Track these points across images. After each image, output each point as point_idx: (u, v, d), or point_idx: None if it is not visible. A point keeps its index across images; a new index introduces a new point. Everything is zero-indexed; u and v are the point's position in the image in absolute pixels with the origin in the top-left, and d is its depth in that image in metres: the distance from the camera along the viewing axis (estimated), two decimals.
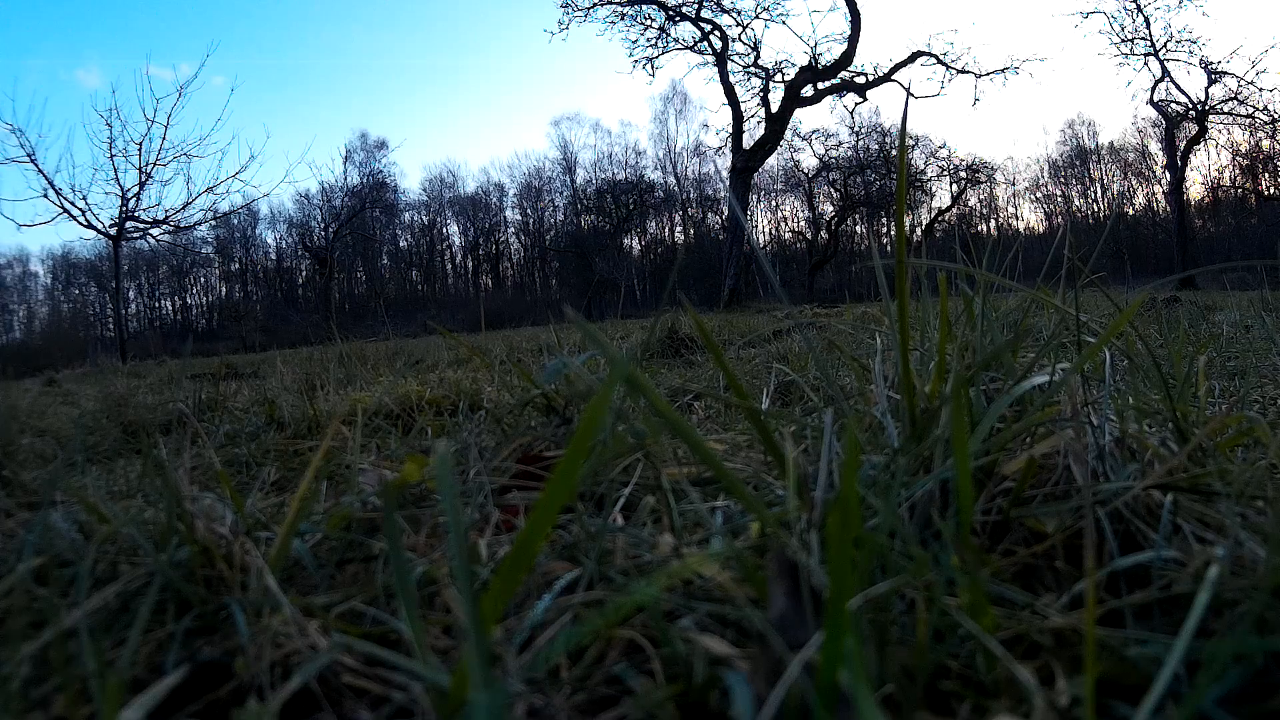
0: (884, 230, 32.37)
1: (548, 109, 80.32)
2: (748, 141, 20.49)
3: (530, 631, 0.52)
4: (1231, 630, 0.46)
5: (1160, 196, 35.53)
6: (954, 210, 32.90)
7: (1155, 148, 34.27)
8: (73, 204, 14.62)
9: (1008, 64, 20.90)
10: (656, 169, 41.11)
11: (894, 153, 25.89)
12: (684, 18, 20.64)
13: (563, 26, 20.86)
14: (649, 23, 20.69)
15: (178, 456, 0.73)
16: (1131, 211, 37.28)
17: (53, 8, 53.79)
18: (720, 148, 23.92)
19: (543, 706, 0.44)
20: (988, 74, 20.87)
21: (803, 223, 38.33)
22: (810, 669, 0.39)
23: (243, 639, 0.52)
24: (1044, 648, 0.48)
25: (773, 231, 41.35)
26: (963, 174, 30.29)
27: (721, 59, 20.81)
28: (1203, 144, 23.84)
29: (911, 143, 27.54)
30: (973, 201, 39.25)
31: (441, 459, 0.44)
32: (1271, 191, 30.20)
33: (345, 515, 0.74)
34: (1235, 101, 21.38)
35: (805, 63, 20.40)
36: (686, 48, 21.06)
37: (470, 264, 44.78)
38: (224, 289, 44.53)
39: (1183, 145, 22.11)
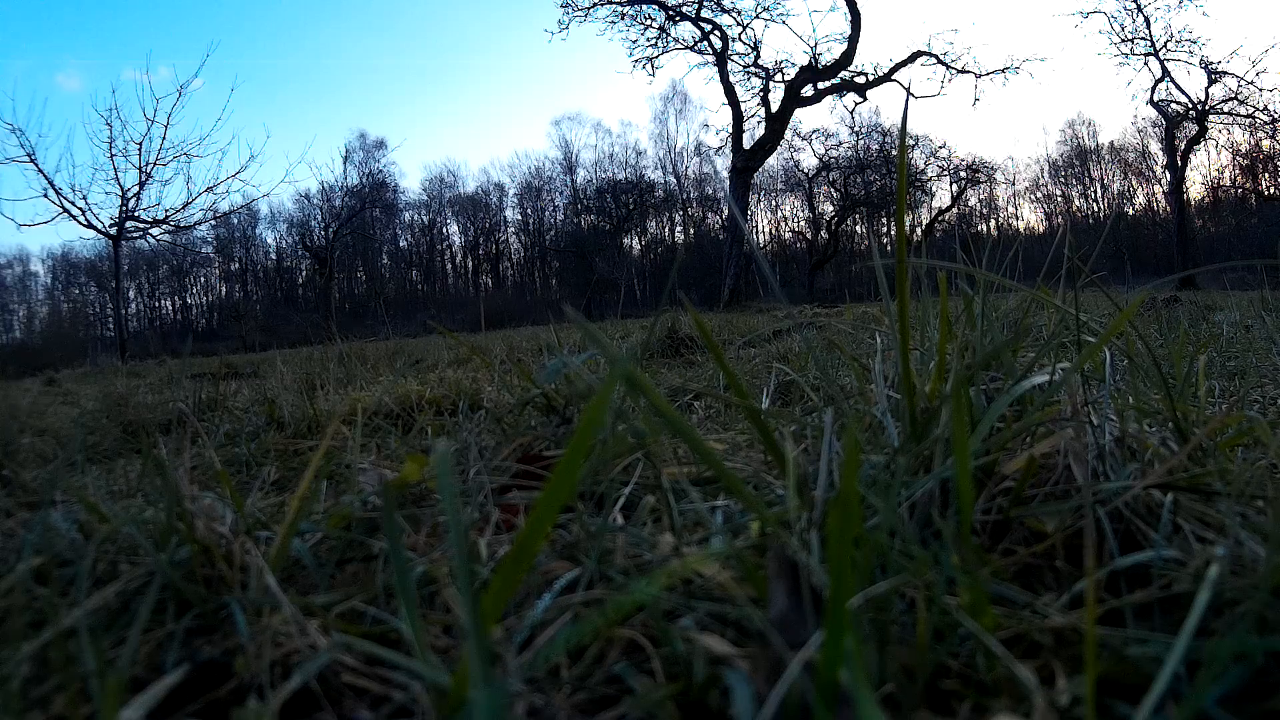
0: (884, 230, 32.36)
1: (548, 109, 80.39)
2: (748, 141, 20.49)
3: (530, 631, 0.52)
4: (1232, 630, 0.46)
5: (1160, 196, 35.54)
6: (954, 210, 32.91)
7: (1155, 148, 34.28)
8: (73, 204, 14.66)
9: (1008, 64, 20.91)
10: (657, 169, 41.14)
11: (894, 152, 25.88)
12: (684, 18, 20.64)
13: (563, 26, 20.86)
14: (649, 22, 20.69)
15: (178, 456, 0.73)
16: (1131, 211, 37.28)
17: (30, 12, 53.62)
18: (720, 147, 23.90)
19: (543, 705, 0.44)
20: (988, 74, 20.88)
21: (803, 223, 38.34)
22: (810, 668, 0.39)
23: (243, 638, 0.52)
24: (1044, 647, 0.48)
25: (773, 231, 41.36)
26: (963, 174, 30.30)
27: (721, 59, 20.81)
28: (1203, 144, 23.84)
29: (911, 143, 27.55)
30: (973, 201, 39.27)
31: (441, 458, 0.44)
32: (1271, 191, 30.19)
33: (345, 515, 0.74)
34: (1235, 101, 21.38)
35: (805, 63, 20.41)
36: (686, 47, 21.06)
37: (470, 264, 44.79)
38: (224, 289, 44.56)
39: (1183, 145, 22.10)
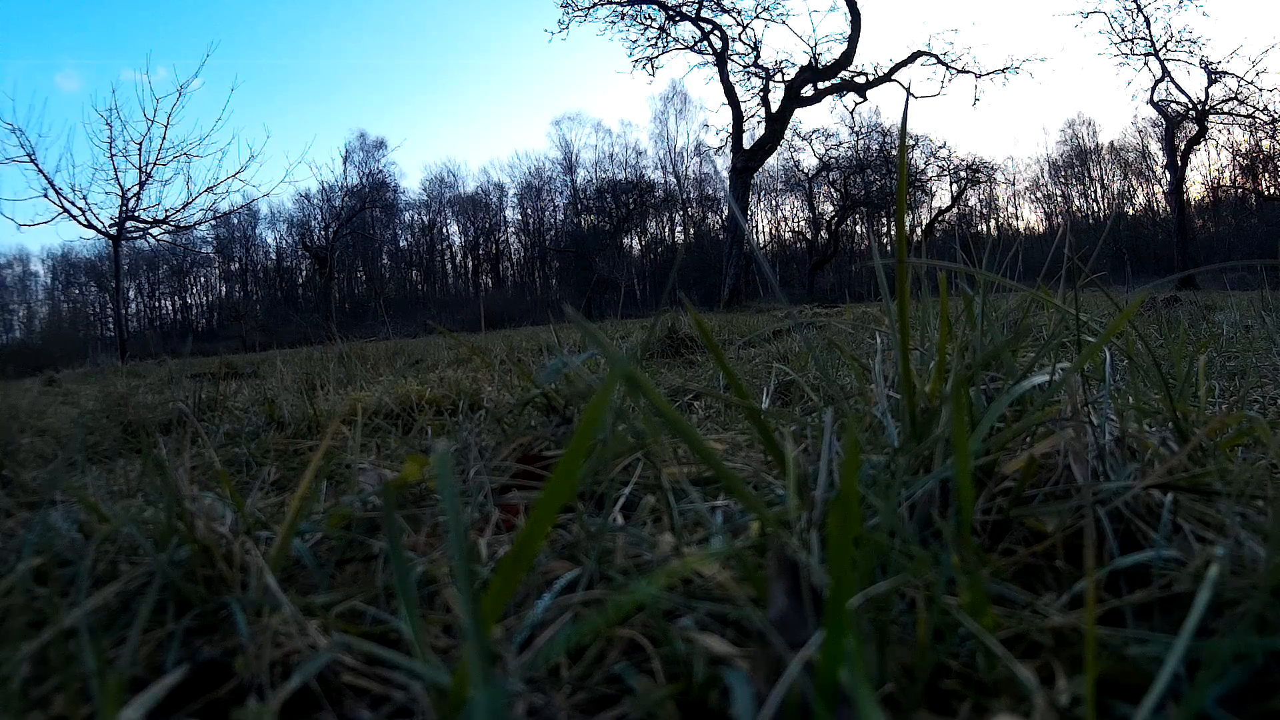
0: (884, 230, 32.37)
1: (548, 109, 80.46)
2: (748, 141, 20.49)
3: (530, 631, 0.52)
4: (1232, 630, 0.46)
5: (1160, 196, 35.52)
6: (954, 210, 32.95)
7: (1155, 148, 34.25)
8: (73, 204, 14.65)
9: (1008, 64, 20.92)
10: (657, 169, 41.14)
11: (894, 152, 25.89)
12: (684, 18, 20.65)
13: (563, 26, 20.85)
14: (649, 22, 20.70)
15: (178, 456, 0.73)
16: (1131, 211, 37.27)
17: (28, 13, 53.42)
18: (720, 147, 23.89)
19: (543, 705, 0.44)
20: (988, 74, 20.89)
21: (803, 223, 38.35)
22: (810, 668, 0.39)
23: (243, 638, 0.52)
24: (1044, 647, 0.48)
25: (773, 231, 41.36)
26: (963, 174, 30.32)
27: (721, 59, 20.82)
28: (1203, 144, 23.83)
29: (911, 143, 27.54)
30: (973, 201, 39.27)
31: (441, 458, 0.44)
32: (1271, 191, 30.18)
33: (345, 514, 0.74)
34: (1235, 101, 21.37)
35: (805, 63, 20.41)
36: (686, 47, 21.07)
37: (470, 264, 44.79)
38: (224, 289, 44.56)
39: (1183, 145, 22.09)
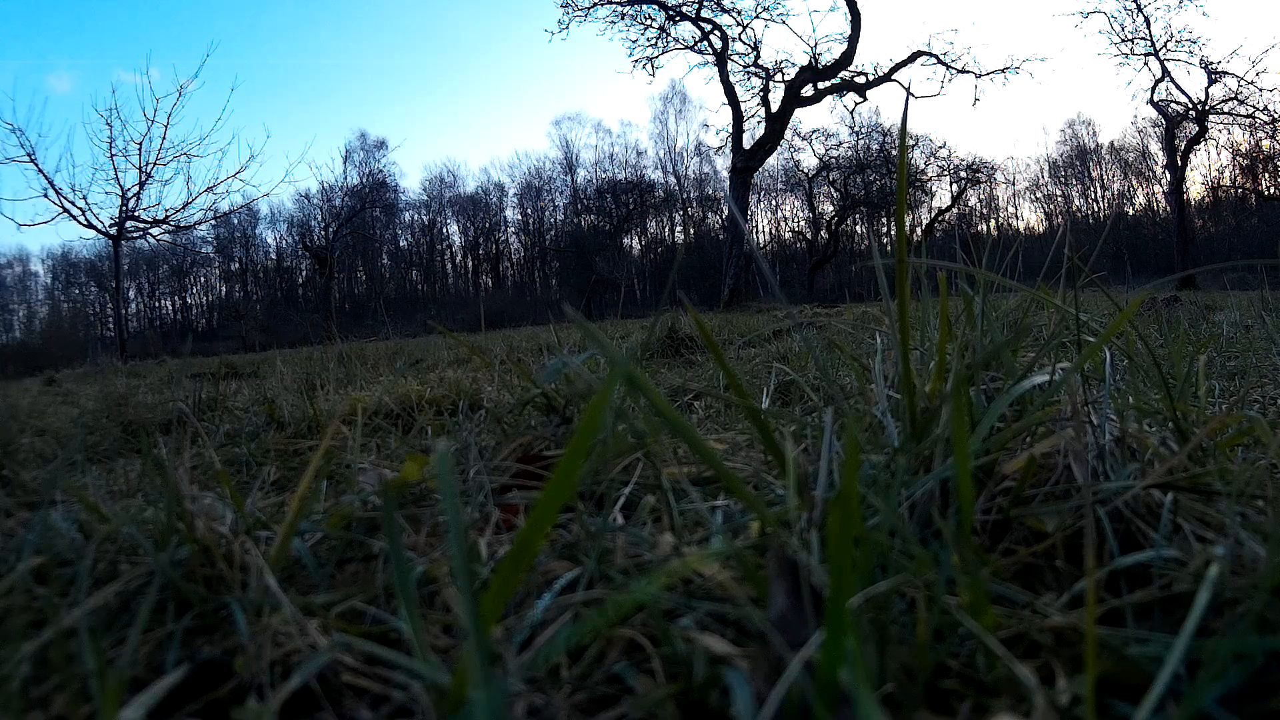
0: (884, 230, 32.35)
1: (548, 109, 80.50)
2: (748, 141, 20.49)
3: (530, 630, 0.52)
4: (1232, 629, 0.46)
5: (1160, 196, 35.51)
6: (954, 210, 32.97)
7: (1155, 148, 34.25)
8: (73, 204, 14.67)
9: (1008, 64, 20.91)
10: (657, 169, 41.15)
11: (894, 152, 25.91)
12: (684, 17, 20.64)
13: (563, 26, 20.84)
14: (649, 22, 20.69)
15: (178, 456, 0.73)
16: (1131, 211, 37.28)
17: (18, 13, 53.12)
18: (720, 147, 23.88)
19: (543, 705, 0.44)
20: (988, 74, 20.88)
21: (803, 222, 38.35)
22: (810, 668, 0.39)
23: (243, 638, 0.52)
24: (1044, 647, 0.48)
25: (773, 231, 41.37)
26: (963, 174, 30.34)
27: (721, 59, 20.82)
28: (1203, 144, 23.83)
29: (911, 142, 27.51)
30: (973, 201, 39.28)
31: (441, 458, 0.44)
32: (1271, 191, 30.16)
33: (345, 514, 0.74)
34: (1235, 101, 21.36)
35: (805, 62, 20.41)
36: (686, 47, 21.07)
37: (470, 264, 44.80)
38: (224, 289, 44.56)
39: (1183, 145, 22.09)
